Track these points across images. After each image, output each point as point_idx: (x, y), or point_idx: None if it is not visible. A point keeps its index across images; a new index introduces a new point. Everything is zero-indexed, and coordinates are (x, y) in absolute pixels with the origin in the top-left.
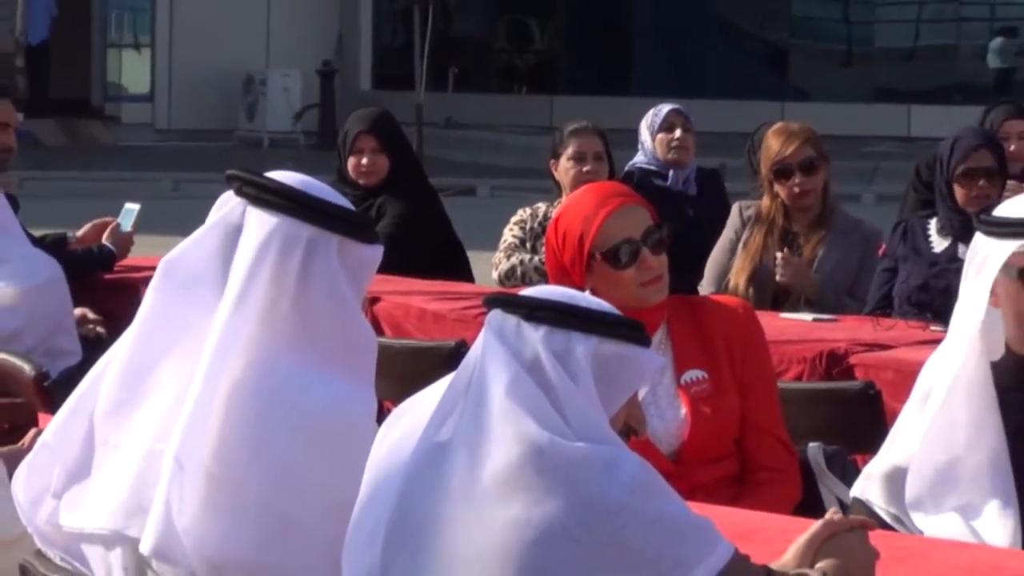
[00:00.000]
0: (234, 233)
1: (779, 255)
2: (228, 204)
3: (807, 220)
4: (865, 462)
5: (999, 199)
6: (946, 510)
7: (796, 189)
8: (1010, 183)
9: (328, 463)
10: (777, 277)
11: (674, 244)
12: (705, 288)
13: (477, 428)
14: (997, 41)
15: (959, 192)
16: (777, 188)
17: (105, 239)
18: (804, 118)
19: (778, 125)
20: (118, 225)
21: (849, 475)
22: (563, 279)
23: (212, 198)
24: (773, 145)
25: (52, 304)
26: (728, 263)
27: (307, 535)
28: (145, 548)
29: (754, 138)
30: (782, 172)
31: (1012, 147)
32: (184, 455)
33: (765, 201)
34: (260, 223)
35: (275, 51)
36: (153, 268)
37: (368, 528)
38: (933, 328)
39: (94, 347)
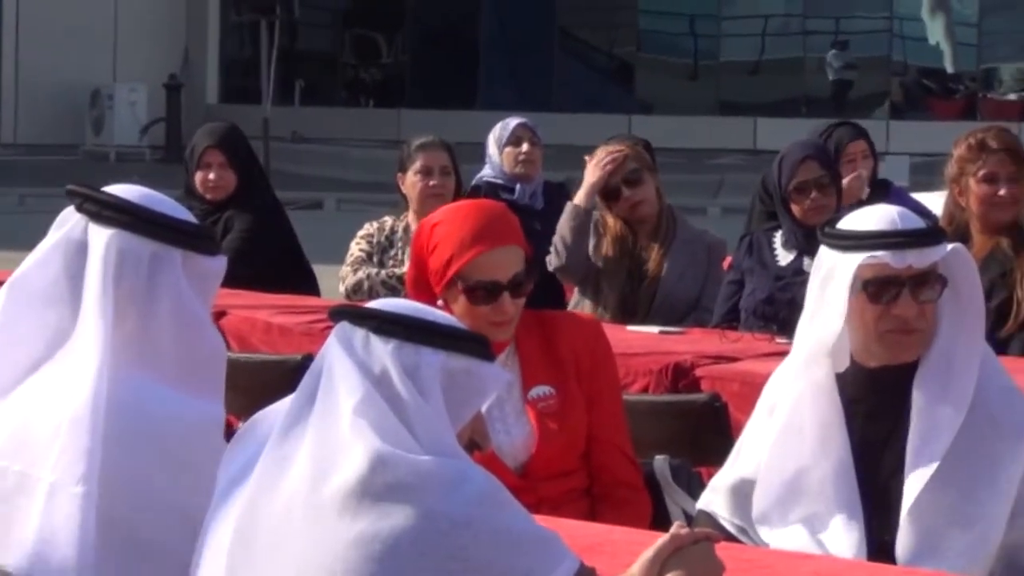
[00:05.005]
0: (77, 250)
1: None
2: (69, 221)
3: (647, 231)
4: (711, 475)
5: (840, 205)
6: (792, 521)
7: (627, 203)
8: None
9: (178, 479)
10: None
11: None
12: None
13: (324, 442)
14: (832, 54)
15: (795, 208)
16: (610, 208)
17: None
18: (650, 131)
19: (600, 147)
20: None
21: (695, 488)
22: (421, 274)
23: (58, 213)
24: None
25: None
26: None
27: (159, 553)
28: (19, 571)
29: None
30: (608, 193)
31: (858, 167)
32: (33, 475)
33: (608, 220)
34: (103, 240)
35: (121, 65)
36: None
37: (215, 543)
38: (779, 340)
39: None
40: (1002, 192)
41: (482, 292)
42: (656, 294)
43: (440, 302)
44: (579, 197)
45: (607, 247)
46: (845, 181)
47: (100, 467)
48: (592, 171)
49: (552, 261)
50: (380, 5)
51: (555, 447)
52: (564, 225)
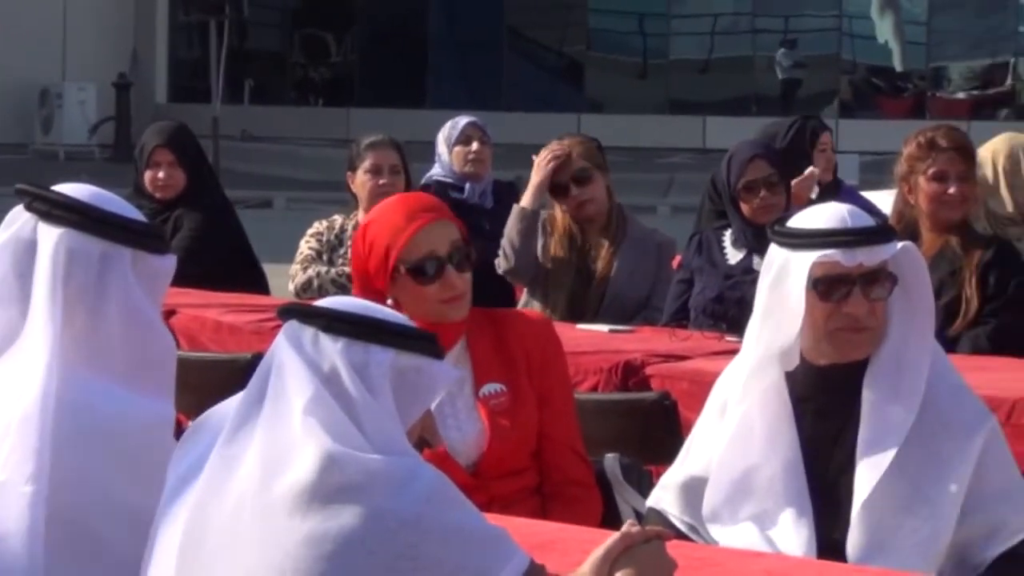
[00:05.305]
0: (26, 249)
1: None
2: (19, 220)
3: (597, 230)
4: (660, 473)
5: (789, 204)
6: (742, 519)
7: (574, 201)
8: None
9: (128, 478)
10: None
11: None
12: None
13: (274, 441)
14: (781, 52)
15: (744, 207)
16: (560, 204)
17: None
18: (600, 130)
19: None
20: None
21: (645, 486)
22: (366, 283)
23: (7, 212)
24: None
25: None
26: None
27: (109, 552)
28: None
29: None
30: (557, 189)
31: (829, 156)
32: None
33: (557, 215)
34: (52, 239)
35: (71, 64)
36: None
37: (164, 542)
38: (728, 339)
39: None
40: (951, 190)
41: (425, 271)
42: (605, 293)
43: (390, 301)
44: (525, 199)
45: (555, 245)
46: (795, 182)
47: (49, 466)
48: (536, 172)
49: (501, 264)
50: (329, 5)
51: (507, 445)
52: (511, 228)
